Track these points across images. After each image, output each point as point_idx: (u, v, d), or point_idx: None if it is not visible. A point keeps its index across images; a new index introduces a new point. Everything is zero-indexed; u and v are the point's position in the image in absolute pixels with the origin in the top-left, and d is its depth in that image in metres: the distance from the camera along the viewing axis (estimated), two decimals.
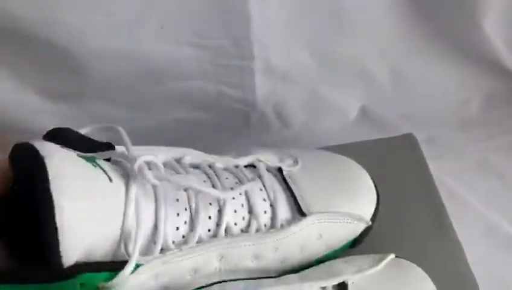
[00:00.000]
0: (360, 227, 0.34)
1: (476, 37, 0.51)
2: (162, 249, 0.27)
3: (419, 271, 0.33)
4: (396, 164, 0.40)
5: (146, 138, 0.48)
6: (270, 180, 0.32)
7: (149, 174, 0.27)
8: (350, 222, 0.33)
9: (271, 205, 0.31)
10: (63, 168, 0.23)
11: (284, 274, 0.31)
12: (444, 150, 0.52)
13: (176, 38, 0.45)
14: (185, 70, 0.48)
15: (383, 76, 0.54)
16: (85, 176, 0.24)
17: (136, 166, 0.26)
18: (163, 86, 0.50)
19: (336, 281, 0.30)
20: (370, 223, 0.34)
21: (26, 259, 0.25)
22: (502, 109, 0.55)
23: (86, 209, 0.24)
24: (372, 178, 0.35)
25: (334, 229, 0.32)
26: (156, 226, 0.27)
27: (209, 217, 0.29)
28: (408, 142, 0.42)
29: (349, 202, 0.33)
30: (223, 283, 0.28)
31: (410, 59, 0.53)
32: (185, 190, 0.29)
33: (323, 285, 0.29)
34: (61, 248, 0.22)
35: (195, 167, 0.32)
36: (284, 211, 0.32)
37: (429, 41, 0.52)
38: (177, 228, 0.28)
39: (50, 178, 0.23)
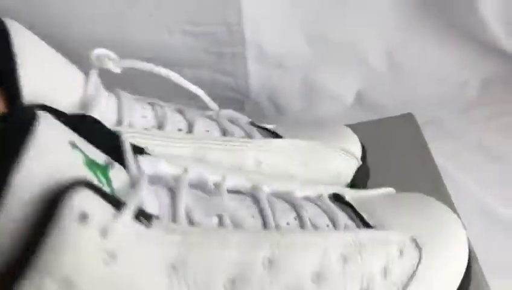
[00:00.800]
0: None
1: (472, 19, 0.50)
2: None
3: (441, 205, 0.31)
4: (396, 144, 0.40)
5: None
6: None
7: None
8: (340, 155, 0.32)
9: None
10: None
11: None
12: (442, 132, 0.52)
13: (166, 26, 0.45)
14: (177, 59, 0.48)
15: (379, 60, 0.53)
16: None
17: None
18: (155, 75, 0.50)
19: (332, 190, 0.29)
20: (361, 162, 0.33)
21: None
22: (499, 91, 0.55)
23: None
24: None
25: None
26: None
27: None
28: (408, 122, 0.42)
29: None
30: None
31: (406, 42, 0.53)
32: None
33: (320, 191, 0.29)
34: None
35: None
36: None
37: (426, 24, 0.52)
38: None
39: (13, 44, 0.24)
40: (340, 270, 0.24)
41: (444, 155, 0.48)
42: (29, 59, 0.25)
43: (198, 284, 0.21)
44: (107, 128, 0.23)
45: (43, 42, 0.27)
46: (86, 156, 0.21)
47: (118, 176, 0.22)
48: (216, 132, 0.31)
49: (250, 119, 0.35)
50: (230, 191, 0.26)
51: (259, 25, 0.47)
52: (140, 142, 0.25)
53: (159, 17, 0.44)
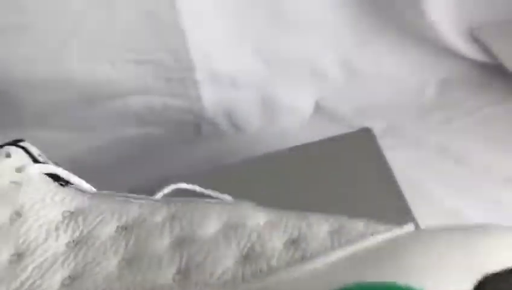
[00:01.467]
0: None
1: (421, 23, 0.50)
2: None
3: None
4: (354, 159, 0.39)
5: (92, 158, 0.46)
6: None
7: None
8: None
9: None
10: None
11: None
12: (402, 138, 0.52)
13: (107, 57, 0.43)
14: (123, 88, 0.47)
15: (334, 70, 0.53)
16: None
17: None
18: (103, 106, 0.48)
19: None
20: None
21: None
22: (456, 92, 0.55)
23: None
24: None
25: None
26: None
27: None
28: (365, 136, 0.41)
29: None
30: None
31: (359, 50, 0.52)
32: None
33: None
34: None
35: None
36: None
37: (379, 32, 0.52)
38: None
39: None
40: None
41: (406, 162, 0.48)
42: None
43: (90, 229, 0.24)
44: None
45: None
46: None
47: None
48: None
49: None
50: None
51: (207, 48, 0.45)
52: None
53: (99, 49, 0.42)
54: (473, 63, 0.54)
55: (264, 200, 0.29)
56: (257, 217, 0.24)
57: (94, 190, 0.27)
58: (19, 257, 0.23)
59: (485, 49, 0.52)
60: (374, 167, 0.39)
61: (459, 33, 0.52)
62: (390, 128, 0.52)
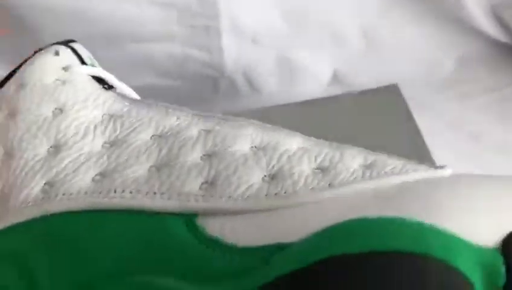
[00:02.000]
0: None
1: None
2: None
3: None
4: (381, 114, 0.39)
5: None
6: None
7: None
8: None
9: None
10: None
11: None
12: (419, 110, 0.51)
13: None
14: (147, 32, 0.46)
15: (356, 39, 0.52)
16: None
17: None
18: (124, 50, 0.48)
19: None
20: None
21: None
22: (475, 69, 0.55)
23: None
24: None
25: None
26: None
27: None
28: (392, 93, 0.41)
29: None
30: None
31: (382, 20, 0.52)
32: None
33: None
34: None
35: None
36: None
37: (402, 3, 0.51)
38: None
39: None
40: None
41: (422, 132, 0.48)
42: None
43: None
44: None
45: None
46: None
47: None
48: None
49: None
50: None
51: None
52: None
53: None
54: (495, 42, 0.54)
55: None
56: (291, 142, 0.24)
57: (136, 96, 0.27)
58: (56, 149, 0.24)
59: (508, 28, 0.52)
60: (400, 122, 0.39)
61: (483, 11, 0.52)
62: (407, 99, 0.52)
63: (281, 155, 0.23)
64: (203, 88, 0.51)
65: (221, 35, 0.47)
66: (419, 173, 0.22)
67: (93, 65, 0.28)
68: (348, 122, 0.39)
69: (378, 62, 0.54)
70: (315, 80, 0.53)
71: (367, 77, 0.54)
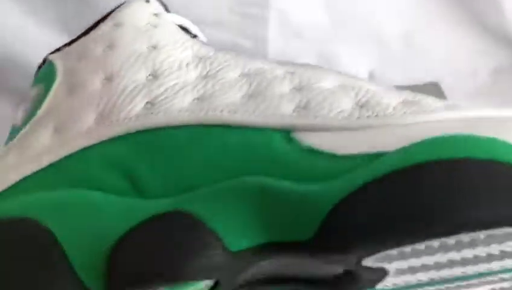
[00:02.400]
0: None
1: (492, 9, 0.51)
2: None
3: None
4: None
5: None
6: None
7: None
8: None
9: None
10: None
11: None
12: None
13: None
14: (201, 17, 0.47)
15: (394, 40, 0.54)
16: None
17: None
18: None
19: None
20: None
21: None
22: (509, 81, 0.56)
23: None
24: None
25: None
26: None
27: None
28: (434, 90, 0.42)
29: None
30: None
31: (422, 25, 0.54)
32: None
33: None
34: None
35: None
36: None
37: (446, 8, 0.53)
38: None
39: None
40: None
41: None
42: None
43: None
44: None
45: None
46: None
47: None
48: None
49: None
50: None
51: None
52: None
53: None
54: None
55: None
56: (372, 85, 0.25)
57: None
58: (154, 77, 0.26)
59: None
60: None
61: None
62: None
63: (367, 90, 0.24)
64: None
65: (268, 26, 0.49)
66: (491, 110, 0.23)
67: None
68: None
69: (414, 66, 0.55)
70: None
71: (402, 78, 0.55)
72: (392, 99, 0.24)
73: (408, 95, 0.25)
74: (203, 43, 0.28)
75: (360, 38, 0.54)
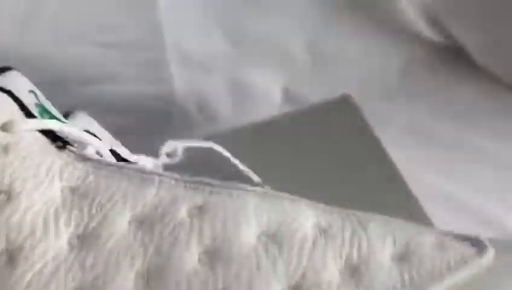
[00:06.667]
0: None
1: (390, 7, 0.52)
2: None
3: None
4: (336, 126, 0.40)
5: None
6: None
7: None
8: None
9: None
10: None
11: None
12: (372, 120, 0.53)
13: (76, 38, 0.42)
14: (91, 74, 0.45)
15: (299, 53, 0.54)
16: None
17: None
18: (71, 94, 0.47)
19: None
20: None
21: None
22: (421, 75, 0.57)
23: None
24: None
25: None
26: None
27: None
28: (345, 103, 0.42)
29: None
30: None
31: (325, 33, 0.54)
32: None
33: None
34: None
35: None
36: None
37: (344, 14, 0.53)
38: None
39: None
40: None
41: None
42: None
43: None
44: None
45: None
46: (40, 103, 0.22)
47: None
48: None
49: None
50: None
51: (178, 25, 0.45)
52: None
53: (63, 26, 0.41)
54: (433, 45, 0.56)
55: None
56: (305, 222, 0.20)
57: (103, 143, 0.23)
58: (10, 260, 0.18)
59: (445, 32, 0.55)
60: (359, 136, 0.40)
61: (421, 17, 0.54)
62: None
63: (299, 252, 0.19)
64: (156, 122, 0.51)
65: (169, 66, 0.48)
66: (467, 269, 0.19)
67: (39, 105, 0.22)
68: (305, 138, 0.39)
69: (325, 75, 0.55)
70: (268, 100, 0.54)
71: (317, 92, 0.55)
72: (333, 267, 0.19)
73: (352, 240, 0.19)
74: (76, 155, 0.21)
75: (266, 60, 0.53)
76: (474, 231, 0.45)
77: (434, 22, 0.55)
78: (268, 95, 0.55)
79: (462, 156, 0.51)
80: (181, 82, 0.50)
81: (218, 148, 0.28)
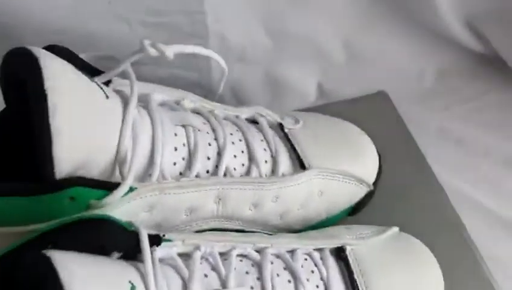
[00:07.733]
0: (362, 191, 0.33)
1: (428, 11, 0.52)
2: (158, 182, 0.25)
3: (424, 249, 0.32)
4: (372, 122, 0.41)
5: None
6: (271, 133, 0.32)
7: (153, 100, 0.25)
8: (352, 183, 0.32)
9: (272, 156, 0.30)
10: (58, 70, 0.22)
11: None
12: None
13: (124, 16, 0.43)
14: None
15: (337, 51, 0.54)
16: (80, 85, 0.23)
17: (135, 87, 0.25)
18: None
19: (334, 244, 0.29)
20: (372, 187, 0.34)
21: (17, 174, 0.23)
22: (455, 80, 0.57)
23: (81, 115, 0.22)
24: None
25: (335, 187, 0.32)
26: (152, 157, 0.25)
27: (208, 158, 0.28)
28: (381, 99, 0.43)
29: (352, 163, 0.33)
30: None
31: (363, 33, 0.54)
32: (184, 126, 0.28)
33: (321, 246, 0.28)
34: (54, 154, 0.20)
35: (195, 111, 0.31)
36: (285, 163, 0.31)
37: (382, 16, 0.54)
38: (174, 163, 0.27)
39: (44, 77, 0.21)
40: None
41: None
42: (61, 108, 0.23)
43: None
44: (123, 228, 0.25)
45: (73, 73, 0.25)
46: None
47: None
48: (240, 145, 0.31)
49: (277, 119, 0.33)
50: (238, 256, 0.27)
51: (221, 15, 0.46)
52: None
53: (117, 6, 0.42)
54: (471, 52, 0.56)
55: None
56: None
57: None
58: None
59: (483, 39, 0.55)
60: (392, 128, 0.40)
61: (459, 23, 0.54)
62: None
63: None
64: None
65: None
66: None
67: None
68: None
69: (360, 74, 0.56)
70: (301, 95, 0.55)
71: (350, 89, 0.56)
72: None
73: None
74: None
75: (303, 55, 0.54)
76: (501, 237, 0.46)
77: (472, 28, 0.55)
78: (303, 90, 0.56)
79: (491, 164, 0.51)
80: (219, 72, 0.51)
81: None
